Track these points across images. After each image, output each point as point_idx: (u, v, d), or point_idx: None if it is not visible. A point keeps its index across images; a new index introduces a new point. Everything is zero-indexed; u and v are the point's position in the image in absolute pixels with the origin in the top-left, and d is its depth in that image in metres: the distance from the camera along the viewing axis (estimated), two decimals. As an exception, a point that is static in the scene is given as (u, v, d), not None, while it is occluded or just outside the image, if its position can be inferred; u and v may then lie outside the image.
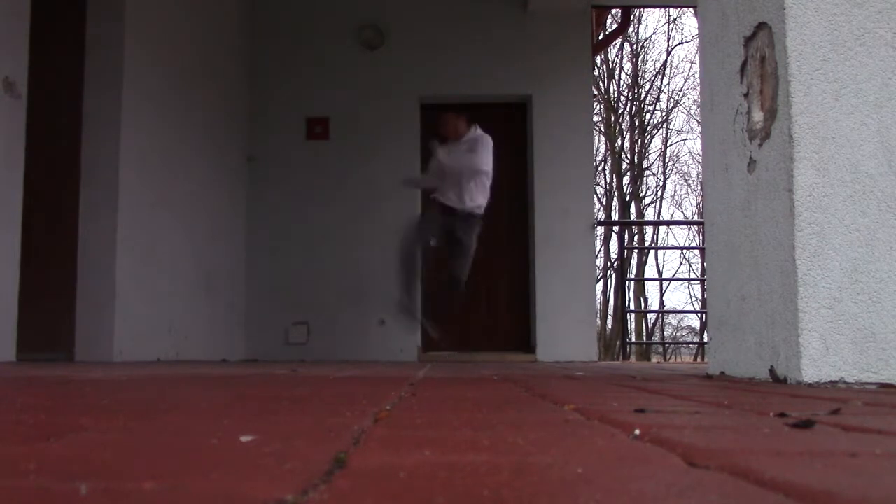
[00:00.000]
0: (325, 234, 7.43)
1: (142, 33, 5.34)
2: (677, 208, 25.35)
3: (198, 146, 6.38)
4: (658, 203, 22.54)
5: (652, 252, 21.61)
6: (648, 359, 15.50)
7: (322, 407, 1.25)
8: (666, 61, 25.18)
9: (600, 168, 20.89)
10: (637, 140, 22.19)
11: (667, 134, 22.57)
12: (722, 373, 2.73)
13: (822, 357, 2.17)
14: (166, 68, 5.78)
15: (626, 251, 18.01)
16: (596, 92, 19.02)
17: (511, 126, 7.80)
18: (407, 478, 0.57)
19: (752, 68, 2.49)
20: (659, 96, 22.52)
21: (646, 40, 23.75)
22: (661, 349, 20.70)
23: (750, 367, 2.50)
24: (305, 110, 7.58)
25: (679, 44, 24.85)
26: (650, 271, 21.92)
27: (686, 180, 24.96)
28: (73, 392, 1.64)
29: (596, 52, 8.74)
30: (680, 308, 21.72)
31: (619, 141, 21.77)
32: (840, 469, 0.63)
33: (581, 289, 7.46)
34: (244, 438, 0.80)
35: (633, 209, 21.57)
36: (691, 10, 15.96)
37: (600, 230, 19.19)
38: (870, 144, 2.25)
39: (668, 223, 23.75)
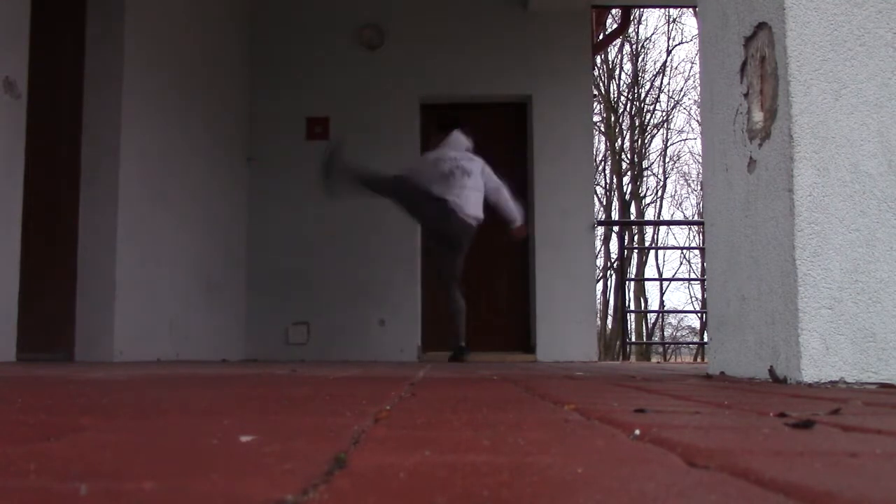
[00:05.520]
0: (325, 234, 7.43)
1: (142, 33, 5.34)
2: (677, 208, 25.37)
3: (198, 146, 6.38)
4: (658, 203, 22.57)
5: (652, 252, 21.62)
6: (648, 359, 15.50)
7: (322, 407, 1.25)
8: (666, 61, 25.23)
9: (600, 168, 20.89)
10: (637, 140, 22.19)
11: (667, 134, 22.60)
12: (722, 373, 2.73)
13: (822, 357, 2.17)
14: (166, 68, 5.78)
15: (626, 251, 18.02)
16: (596, 92, 19.02)
17: (511, 126, 7.80)
18: (407, 478, 0.57)
19: (752, 68, 2.49)
20: (659, 96, 22.55)
21: (646, 40, 23.73)
22: (661, 349, 20.69)
23: (750, 367, 2.50)
24: (305, 110, 7.58)
25: (679, 44, 24.90)
26: (650, 271, 21.94)
27: (686, 180, 25.00)
28: (73, 392, 1.64)
29: (596, 52, 8.75)
30: (680, 308, 21.74)
31: (619, 141, 21.78)
32: (840, 469, 0.63)
33: (581, 289, 7.45)
34: (244, 438, 0.80)
35: (633, 209, 21.57)
36: (691, 10, 15.96)
37: (600, 230, 19.19)
38: (870, 144, 2.25)
39: (668, 223, 23.75)
